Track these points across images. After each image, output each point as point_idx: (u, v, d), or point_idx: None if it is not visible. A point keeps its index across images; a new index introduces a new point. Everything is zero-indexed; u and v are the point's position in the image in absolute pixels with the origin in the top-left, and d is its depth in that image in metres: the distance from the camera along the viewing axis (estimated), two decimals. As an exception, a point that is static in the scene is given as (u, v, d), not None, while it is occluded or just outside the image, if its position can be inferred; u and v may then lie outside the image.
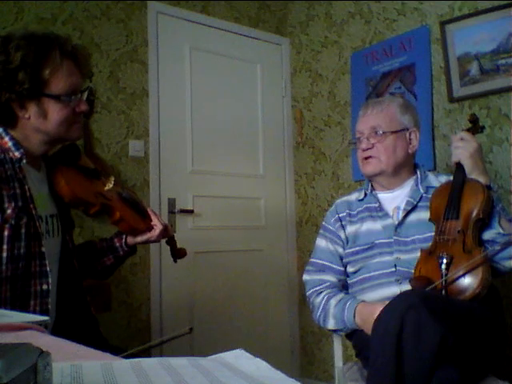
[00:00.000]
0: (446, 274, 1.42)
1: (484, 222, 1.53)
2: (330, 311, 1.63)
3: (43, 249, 1.24)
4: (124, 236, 1.49)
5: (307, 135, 3.22)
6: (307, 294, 1.76)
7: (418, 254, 1.54)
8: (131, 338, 2.52)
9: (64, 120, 1.27)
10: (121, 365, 0.55)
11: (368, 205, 1.74)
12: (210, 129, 2.95)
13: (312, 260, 1.80)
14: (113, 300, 2.31)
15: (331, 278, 1.72)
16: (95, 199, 1.36)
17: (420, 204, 1.66)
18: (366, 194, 1.77)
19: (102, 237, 1.61)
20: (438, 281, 1.41)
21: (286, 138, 3.29)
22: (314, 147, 3.18)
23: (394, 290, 1.56)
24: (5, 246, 1.18)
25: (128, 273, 2.55)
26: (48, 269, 1.24)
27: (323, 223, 1.84)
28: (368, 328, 1.42)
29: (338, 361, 1.79)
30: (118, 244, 1.49)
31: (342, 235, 1.75)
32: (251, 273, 3.03)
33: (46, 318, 0.87)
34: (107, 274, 1.56)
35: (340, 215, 1.78)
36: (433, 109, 2.56)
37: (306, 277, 1.78)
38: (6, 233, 1.18)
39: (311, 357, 3.14)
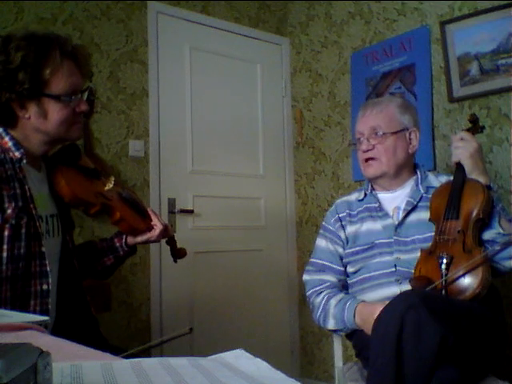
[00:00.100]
0: (446, 274, 1.42)
1: (484, 222, 1.53)
2: (330, 311, 1.63)
3: (43, 249, 1.24)
4: (124, 236, 1.49)
5: (307, 135, 3.22)
6: (307, 294, 1.76)
7: (418, 254, 1.54)
8: (131, 338, 2.52)
9: (64, 120, 1.27)
10: (121, 365, 0.55)
11: (368, 205, 1.74)
12: (209, 129, 2.95)
13: (312, 260, 1.80)
14: (113, 300, 2.31)
15: (331, 278, 1.72)
16: (95, 199, 1.36)
17: (420, 204, 1.66)
18: (365, 194, 1.77)
19: (102, 237, 1.62)
20: (438, 281, 1.41)
21: (286, 138, 3.29)
22: (314, 147, 3.18)
23: (394, 290, 1.56)
24: (5, 246, 1.18)
25: (128, 273, 2.55)
26: (48, 269, 1.24)
27: (323, 223, 1.84)
28: (368, 328, 1.42)
29: (338, 361, 1.79)
30: (118, 244, 1.49)
31: (342, 235, 1.75)
32: (251, 273, 3.03)
33: (45, 318, 0.87)
34: (107, 274, 1.56)
35: (340, 215, 1.78)
36: (433, 109, 2.56)
37: (305, 277, 1.78)
38: (6, 233, 1.18)
39: (311, 357, 3.14)
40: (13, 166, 1.23)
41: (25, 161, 1.25)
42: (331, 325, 1.64)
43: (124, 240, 1.49)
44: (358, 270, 1.69)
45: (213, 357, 0.59)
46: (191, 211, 2.82)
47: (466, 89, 2.41)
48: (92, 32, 2.53)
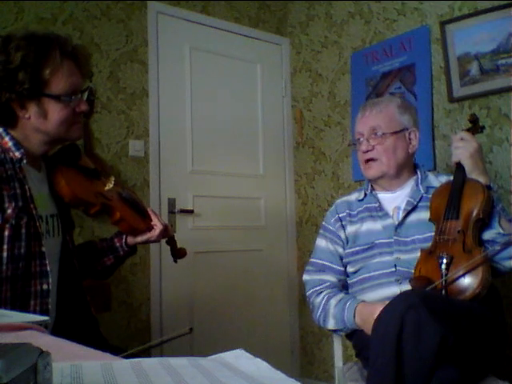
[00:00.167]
0: (446, 274, 1.42)
1: (484, 222, 1.53)
2: (330, 311, 1.63)
3: (43, 249, 1.24)
4: (124, 236, 1.49)
5: (307, 135, 3.22)
6: (307, 294, 1.76)
7: (418, 254, 1.54)
8: (131, 338, 2.52)
9: (64, 120, 1.27)
10: (121, 365, 0.55)
11: (368, 205, 1.74)
12: (209, 129, 2.95)
13: (312, 260, 1.80)
14: (113, 300, 2.31)
15: (331, 278, 1.72)
16: (95, 199, 1.36)
17: (420, 204, 1.66)
18: (365, 194, 1.77)
19: (102, 237, 1.62)
20: (438, 281, 1.41)
21: (286, 138, 3.29)
22: (314, 147, 3.18)
23: (394, 290, 1.56)
24: (5, 246, 1.18)
25: (128, 273, 2.55)
26: (48, 269, 1.24)
27: (323, 223, 1.84)
28: (368, 328, 1.42)
29: (338, 361, 1.79)
30: (118, 244, 1.49)
31: (342, 235, 1.75)
32: (251, 273, 3.03)
33: (45, 318, 0.87)
34: (107, 274, 1.56)
35: (340, 215, 1.78)
36: (433, 109, 2.56)
37: (305, 277, 1.78)
38: (6, 233, 1.18)
39: (311, 357, 3.14)
40: (13, 165, 1.23)
41: (25, 161, 1.25)
42: (331, 325, 1.64)
43: (124, 240, 1.49)
44: (358, 269, 1.69)
45: (213, 357, 0.59)
46: (191, 211, 2.82)
47: (465, 89, 2.41)
48: (92, 32, 2.53)
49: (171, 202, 2.76)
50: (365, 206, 1.75)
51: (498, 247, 1.48)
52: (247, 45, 3.16)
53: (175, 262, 1.62)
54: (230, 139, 3.03)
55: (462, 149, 1.60)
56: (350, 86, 2.96)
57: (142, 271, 2.61)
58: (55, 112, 1.25)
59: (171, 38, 2.84)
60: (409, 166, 1.74)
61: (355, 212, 1.76)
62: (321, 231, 1.83)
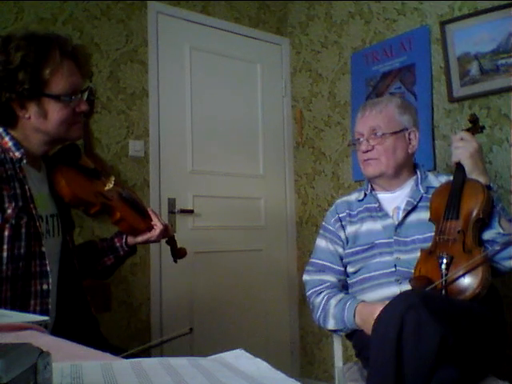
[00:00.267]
0: (446, 274, 1.42)
1: (484, 222, 1.53)
2: (330, 311, 1.63)
3: (43, 249, 1.24)
4: (124, 236, 1.49)
5: (307, 135, 3.22)
6: (307, 294, 1.76)
7: (418, 254, 1.54)
8: (131, 338, 2.52)
9: (64, 120, 1.27)
10: (121, 365, 0.55)
11: (368, 205, 1.74)
12: (209, 129, 2.95)
13: (312, 260, 1.80)
14: (113, 300, 2.31)
15: (331, 278, 1.72)
16: (95, 199, 1.36)
17: (420, 204, 1.66)
18: (365, 195, 1.77)
19: (102, 237, 1.62)
20: (438, 281, 1.41)
21: (286, 138, 3.29)
22: (314, 147, 3.18)
23: (394, 290, 1.56)
24: (5, 246, 1.18)
25: (128, 273, 2.55)
26: (48, 269, 1.24)
27: (323, 223, 1.84)
28: (368, 328, 1.42)
29: (338, 361, 1.79)
30: (118, 244, 1.49)
31: (342, 235, 1.75)
32: (251, 273, 3.03)
33: (45, 318, 0.87)
34: (107, 274, 1.56)
35: (340, 215, 1.77)
36: (433, 109, 2.56)
37: (305, 277, 1.78)
38: (6, 233, 1.18)
39: (311, 357, 3.14)
40: (13, 165, 1.23)
41: (25, 161, 1.25)
42: (331, 325, 1.64)
43: (124, 240, 1.49)
44: (358, 270, 1.69)
45: (213, 357, 0.59)
46: (191, 211, 2.82)
47: (466, 89, 2.41)
48: (92, 32, 2.53)
49: (171, 202, 2.76)
50: (365, 206, 1.75)
51: (497, 247, 1.48)
52: (247, 45, 3.16)
53: (175, 261, 1.62)
54: (230, 139, 3.03)
55: (462, 149, 1.60)
56: (350, 85, 2.96)
57: (142, 271, 2.61)
58: (55, 112, 1.25)
59: (171, 37, 2.84)
60: (408, 166, 1.74)
61: (355, 212, 1.76)
62: (321, 231, 1.83)
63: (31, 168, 1.30)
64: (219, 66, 3.02)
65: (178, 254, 1.60)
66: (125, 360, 0.59)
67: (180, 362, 0.56)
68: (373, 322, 1.33)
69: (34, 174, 1.31)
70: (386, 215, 1.69)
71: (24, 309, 1.18)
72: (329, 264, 1.74)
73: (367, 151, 1.69)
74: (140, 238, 1.48)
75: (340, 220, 1.77)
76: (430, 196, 1.64)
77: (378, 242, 1.66)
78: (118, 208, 1.40)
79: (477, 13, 2.36)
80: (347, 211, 1.77)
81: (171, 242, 1.59)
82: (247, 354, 0.58)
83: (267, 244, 3.14)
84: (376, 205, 1.72)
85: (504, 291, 1.94)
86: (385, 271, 1.61)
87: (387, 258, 1.62)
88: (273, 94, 3.26)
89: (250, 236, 3.06)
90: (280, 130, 3.28)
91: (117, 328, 2.47)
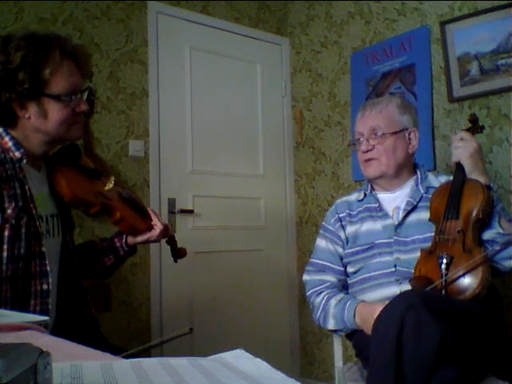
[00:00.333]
0: (446, 274, 1.42)
1: (484, 222, 1.53)
2: (330, 311, 1.63)
3: (43, 249, 1.24)
4: (124, 236, 1.49)
5: (307, 135, 3.22)
6: (307, 294, 1.76)
7: (418, 254, 1.54)
8: (131, 338, 2.52)
9: (64, 120, 1.27)
10: (121, 365, 0.55)
11: (368, 205, 1.74)
12: (209, 129, 2.95)
13: (312, 260, 1.80)
14: (113, 300, 2.31)
15: (331, 278, 1.72)
16: (95, 199, 1.36)
17: (420, 204, 1.66)
18: (365, 195, 1.77)
19: (102, 237, 1.62)
20: (438, 281, 1.41)
21: (285, 138, 3.29)
22: (314, 147, 3.18)
23: (394, 290, 1.56)
24: (5, 246, 1.18)
25: (128, 273, 2.55)
26: (48, 269, 1.24)
27: (323, 223, 1.84)
28: (368, 328, 1.42)
29: (338, 361, 1.79)
30: (118, 244, 1.49)
31: (342, 235, 1.75)
32: (251, 273, 3.03)
33: (45, 318, 0.87)
34: (107, 274, 1.56)
35: (340, 215, 1.77)
36: (433, 109, 2.56)
37: (305, 277, 1.78)
38: (6, 233, 1.18)
39: (311, 357, 3.14)
40: (13, 165, 1.23)
41: (25, 161, 1.25)
42: (331, 325, 1.64)
43: (124, 240, 1.49)
44: (358, 270, 1.69)
45: (213, 357, 0.59)
46: (191, 211, 2.82)
47: (465, 89, 2.41)
48: (92, 32, 2.53)
49: (171, 202, 2.76)
50: (365, 206, 1.75)
51: (497, 247, 1.48)
52: (247, 45, 3.16)
53: (175, 261, 1.62)
54: (230, 139, 3.03)
55: (462, 149, 1.60)
56: (349, 86, 2.96)
57: (142, 271, 2.61)
58: (55, 112, 1.25)
59: (171, 37, 2.84)
60: (408, 166, 1.74)
61: (355, 212, 1.76)
62: (321, 231, 1.83)
63: (31, 168, 1.30)
64: (219, 65, 3.02)
65: (178, 253, 1.60)
66: (125, 360, 0.59)
67: (180, 362, 0.56)
68: (373, 321, 1.33)
69: (34, 174, 1.31)
70: (386, 215, 1.69)
71: (24, 309, 1.18)
72: (329, 264, 1.74)
73: (367, 151, 1.69)
74: (140, 238, 1.48)
75: (340, 220, 1.77)
76: (429, 196, 1.64)
77: (377, 241, 1.66)
78: (118, 208, 1.40)
79: (477, 13, 2.36)
80: (347, 211, 1.77)
81: (171, 241, 1.59)
82: (247, 354, 0.58)
83: (267, 244, 3.14)
84: (376, 205, 1.72)
85: (504, 291, 1.94)
86: (385, 271, 1.61)
87: (387, 258, 1.62)
88: (273, 94, 3.26)
89: (250, 236, 3.06)
90: (280, 130, 3.28)
91: (117, 328, 2.47)
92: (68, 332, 0.99)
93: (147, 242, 1.50)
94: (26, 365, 0.37)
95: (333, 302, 1.64)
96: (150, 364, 0.55)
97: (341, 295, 1.66)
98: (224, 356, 0.59)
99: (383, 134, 1.67)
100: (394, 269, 1.60)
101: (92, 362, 0.56)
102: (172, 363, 0.56)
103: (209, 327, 2.78)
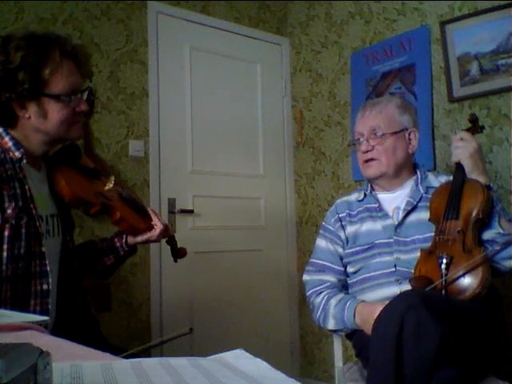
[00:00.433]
0: (446, 274, 1.42)
1: (484, 222, 1.53)
2: (330, 311, 1.63)
3: (43, 249, 1.24)
4: (124, 236, 1.49)
5: (307, 135, 3.22)
6: (307, 294, 1.76)
7: (418, 254, 1.54)
8: (131, 338, 2.52)
9: (64, 120, 1.27)
10: (121, 365, 0.55)
11: (368, 205, 1.74)
12: (209, 129, 2.95)
13: (312, 260, 1.80)
14: (113, 300, 2.31)
15: (331, 278, 1.72)
16: (95, 199, 1.36)
17: (420, 204, 1.66)
18: (365, 195, 1.77)
19: (102, 237, 1.61)
20: (438, 281, 1.41)
21: (285, 138, 3.29)
22: (314, 147, 3.18)
23: (394, 290, 1.56)
24: (5, 246, 1.18)
25: (128, 273, 2.55)
26: (48, 269, 1.24)
27: (323, 223, 1.84)
28: (368, 328, 1.42)
29: (338, 361, 1.79)
30: (118, 244, 1.49)
31: (342, 235, 1.75)
32: (251, 273, 3.03)
33: (45, 318, 0.87)
34: (107, 273, 1.56)
35: (340, 215, 1.77)
36: (433, 109, 2.56)
37: (305, 277, 1.78)
38: (6, 233, 1.18)
39: (311, 357, 3.14)
40: (13, 165, 1.23)
41: (25, 161, 1.25)
42: (331, 325, 1.64)
43: (124, 240, 1.49)
44: (358, 270, 1.69)
45: (213, 357, 0.59)
46: (191, 211, 2.82)
47: (465, 89, 2.41)
48: (92, 32, 2.53)
49: (171, 202, 2.76)
50: (365, 206, 1.75)
51: (497, 247, 1.48)
52: (247, 45, 3.16)
53: (175, 261, 1.62)
54: (230, 139, 3.03)
55: (462, 149, 1.60)
56: (349, 86, 2.96)
57: (142, 271, 2.61)
58: (55, 112, 1.25)
59: (171, 38, 2.84)
60: (408, 166, 1.74)
61: (355, 212, 1.76)
62: (321, 231, 1.83)
63: (31, 168, 1.30)
64: (219, 65, 3.02)
65: (178, 253, 1.60)
66: (125, 360, 0.59)
67: (180, 362, 0.56)
68: (373, 321, 1.33)
69: (34, 174, 1.31)
70: (386, 215, 1.69)
71: (24, 309, 1.18)
72: (329, 264, 1.74)
73: (367, 151, 1.69)
74: (140, 238, 1.48)
75: (340, 220, 1.77)
76: (429, 196, 1.64)
77: (377, 242, 1.66)
78: (118, 208, 1.40)
79: (477, 13, 2.36)
80: (347, 211, 1.77)
81: (171, 241, 1.59)
82: (247, 354, 0.58)
83: (267, 244, 3.14)
84: (376, 205, 1.72)
85: (504, 291, 1.94)
86: (385, 271, 1.61)
87: (387, 258, 1.62)
88: (273, 94, 3.26)
89: (250, 236, 3.06)
90: (280, 130, 3.28)
91: (117, 328, 2.47)
92: (68, 332, 0.99)
93: (147, 241, 1.50)
94: (25, 365, 0.37)
95: (333, 302, 1.64)
96: (150, 364, 0.55)
97: (341, 295, 1.66)
98: (224, 356, 0.59)
99: (383, 134, 1.67)
100: (394, 269, 1.60)
101: (92, 362, 0.56)
102: (172, 363, 0.56)
103: (209, 327, 2.78)
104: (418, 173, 1.73)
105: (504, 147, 2.29)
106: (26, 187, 1.24)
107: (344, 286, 1.74)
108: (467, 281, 1.40)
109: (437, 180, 1.71)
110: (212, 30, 3.00)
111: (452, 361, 1.24)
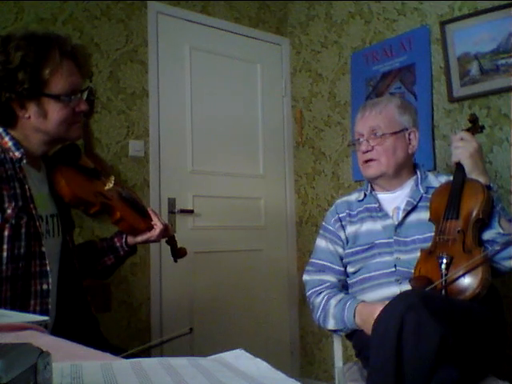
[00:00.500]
0: (446, 274, 1.42)
1: (484, 222, 1.53)
2: (330, 311, 1.63)
3: (43, 248, 1.24)
4: (124, 236, 1.49)
5: (307, 135, 3.22)
6: (307, 294, 1.76)
7: (418, 254, 1.53)
8: (131, 338, 2.52)
9: (64, 120, 1.27)
10: (121, 365, 0.55)
11: (368, 205, 1.74)
12: (209, 129, 2.95)
13: (312, 260, 1.80)
14: (113, 300, 2.31)
15: (331, 278, 1.72)
16: (95, 199, 1.36)
17: (420, 204, 1.66)
18: (365, 195, 1.77)
19: (102, 237, 1.62)
20: (438, 281, 1.41)
21: (285, 138, 3.29)
22: (313, 147, 3.18)
23: (394, 290, 1.56)
24: (5, 246, 1.18)
25: (128, 273, 2.55)
26: (48, 268, 1.24)
27: (323, 223, 1.84)
28: (368, 328, 1.42)
29: (338, 361, 1.79)
30: (118, 244, 1.49)
31: (342, 235, 1.75)
32: (251, 273, 3.03)
33: (45, 318, 0.87)
34: (107, 273, 1.56)
35: (340, 215, 1.77)
36: (433, 109, 2.56)
37: (305, 277, 1.78)
38: (6, 232, 1.18)
39: (311, 357, 3.14)
40: (13, 165, 1.23)
41: (25, 161, 1.25)
42: (331, 325, 1.64)
43: (124, 240, 1.49)
44: (358, 270, 1.69)
45: (213, 357, 0.59)
46: (191, 211, 2.82)
47: (465, 89, 2.41)
48: (92, 32, 2.53)
49: (171, 202, 2.76)
50: (365, 206, 1.75)
51: (497, 247, 1.48)
52: (247, 45, 3.16)
53: (175, 261, 1.62)
54: (230, 139, 3.03)
55: (462, 149, 1.59)
56: (349, 86, 2.96)
57: (142, 271, 2.61)
58: (55, 112, 1.25)
59: (171, 37, 2.84)
60: (408, 166, 1.74)
61: (355, 212, 1.76)
62: (321, 231, 1.83)
63: (31, 168, 1.30)
64: (219, 65, 3.02)
65: (178, 253, 1.60)
66: (125, 360, 0.59)
67: (180, 362, 0.56)
68: (373, 321, 1.33)
69: (34, 174, 1.31)
70: (386, 215, 1.69)
71: (24, 309, 1.18)
72: (329, 264, 1.74)
73: (367, 151, 1.69)
74: (140, 238, 1.48)
75: (340, 220, 1.77)
76: (429, 196, 1.63)
77: (377, 242, 1.66)
78: (118, 208, 1.40)
79: (477, 13, 2.36)
80: (347, 211, 1.77)
81: (171, 241, 1.59)
82: (247, 354, 0.58)
83: (267, 244, 3.14)
84: (376, 205, 1.72)
85: (504, 291, 1.94)
86: (385, 271, 1.61)
87: (387, 258, 1.62)
88: (273, 94, 3.26)
89: (250, 236, 3.06)
90: (280, 130, 3.28)
91: (117, 328, 2.47)
92: (68, 332, 0.99)
93: (147, 241, 1.50)
94: (25, 365, 0.37)
95: (333, 302, 1.64)
96: (150, 364, 0.55)
97: (341, 295, 1.65)
98: (224, 356, 0.59)
99: (383, 134, 1.67)
100: (394, 269, 1.60)
101: (92, 362, 0.56)
102: (172, 363, 0.56)
103: (209, 327, 2.78)
104: (418, 173, 1.72)
105: (504, 147, 2.29)
106: (26, 187, 1.24)
107: (344, 286, 1.74)
108: (467, 281, 1.40)
109: (437, 180, 1.71)
110: (212, 30, 3.00)
111: (452, 361, 1.24)
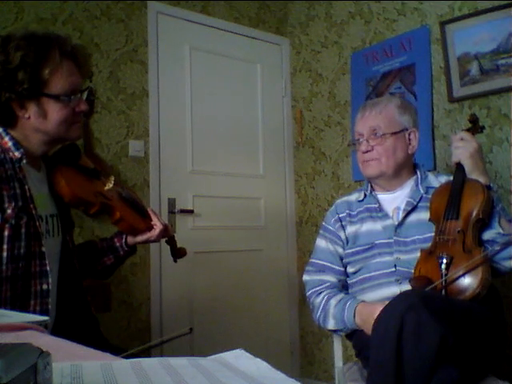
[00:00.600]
0: (446, 274, 1.42)
1: (484, 222, 1.53)
2: (330, 311, 1.63)
3: (43, 248, 1.24)
4: (124, 236, 1.49)
5: (307, 135, 3.22)
6: (307, 294, 1.76)
7: (418, 254, 1.53)
8: (131, 338, 2.52)
9: (64, 120, 1.27)
10: (121, 365, 0.55)
11: (368, 205, 1.74)
12: (209, 129, 2.95)
13: (312, 260, 1.80)
14: (113, 300, 2.31)
15: (331, 278, 1.72)
16: (95, 199, 1.36)
17: (420, 204, 1.66)
18: (365, 195, 1.77)
19: (102, 237, 1.62)
20: (438, 281, 1.41)
21: (286, 138, 3.29)
22: (313, 147, 3.18)
23: (394, 290, 1.56)
24: (5, 246, 1.18)
25: (128, 273, 2.55)
26: (48, 268, 1.24)
27: (323, 223, 1.84)
28: (368, 328, 1.42)
29: (338, 361, 1.79)
30: (118, 244, 1.49)
31: (342, 235, 1.75)
32: (251, 273, 3.03)
33: (45, 318, 0.87)
34: (107, 273, 1.56)
35: (340, 215, 1.77)
36: (433, 109, 2.56)
37: (305, 277, 1.78)
38: (6, 233, 1.18)
39: (311, 357, 3.14)
40: (13, 165, 1.23)
41: (25, 161, 1.25)
42: (331, 325, 1.64)
43: (124, 240, 1.49)
44: (358, 270, 1.69)
45: (213, 357, 0.59)
46: (191, 211, 2.82)
47: (465, 89, 2.41)
48: (92, 32, 2.53)
49: (171, 202, 2.76)
50: (365, 206, 1.75)
51: (497, 247, 1.48)
52: (247, 45, 3.16)
53: (175, 261, 1.62)
54: (230, 139, 3.03)
55: (462, 149, 1.60)
56: (349, 86, 2.96)
57: (142, 271, 2.61)
58: (55, 112, 1.25)
59: (171, 37, 2.84)
60: (408, 167, 1.74)
61: (355, 212, 1.76)
62: (321, 231, 1.83)
63: (31, 168, 1.30)
64: (219, 65, 3.02)
65: (178, 253, 1.60)
66: (125, 360, 0.59)
67: (180, 362, 0.56)
68: (373, 321, 1.33)
69: (34, 174, 1.31)
70: (386, 215, 1.69)
71: (24, 309, 1.18)
72: (329, 264, 1.74)
73: (367, 151, 1.69)
74: (140, 238, 1.48)
75: (340, 220, 1.77)
76: (429, 196, 1.63)
77: (377, 242, 1.66)
78: (118, 208, 1.40)
79: (477, 13, 2.36)
80: (347, 211, 1.77)
81: (171, 241, 1.59)
82: (247, 354, 0.58)
83: (267, 244, 3.14)
84: (376, 205, 1.72)
85: (504, 291, 1.94)
86: (385, 271, 1.61)
87: (387, 258, 1.62)
88: (273, 94, 3.26)
89: (250, 236, 3.06)
90: (280, 130, 3.28)
91: (117, 328, 2.47)
92: (68, 332, 0.99)
93: (147, 241, 1.50)
94: (25, 365, 0.37)
95: (333, 302, 1.64)
96: (150, 364, 0.55)
97: (341, 295, 1.66)
98: (224, 356, 0.59)
99: (383, 134, 1.67)
100: (394, 269, 1.60)
101: (92, 362, 0.56)
102: (172, 363, 0.56)
103: (209, 327, 2.78)
104: (418, 173, 1.72)
105: (504, 147, 2.29)
106: (26, 187, 1.24)
107: (344, 286, 1.74)
108: (467, 281, 1.40)
109: (437, 180, 1.71)
110: (212, 30, 3.00)
111: (452, 361, 1.24)
